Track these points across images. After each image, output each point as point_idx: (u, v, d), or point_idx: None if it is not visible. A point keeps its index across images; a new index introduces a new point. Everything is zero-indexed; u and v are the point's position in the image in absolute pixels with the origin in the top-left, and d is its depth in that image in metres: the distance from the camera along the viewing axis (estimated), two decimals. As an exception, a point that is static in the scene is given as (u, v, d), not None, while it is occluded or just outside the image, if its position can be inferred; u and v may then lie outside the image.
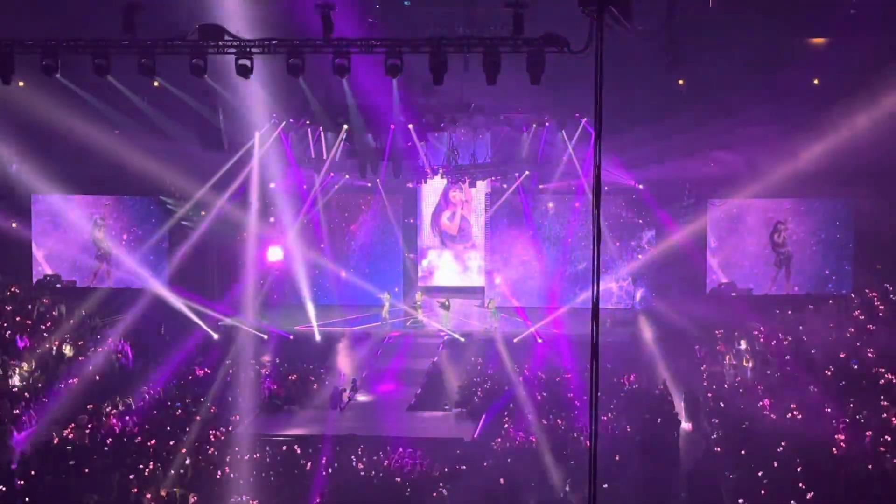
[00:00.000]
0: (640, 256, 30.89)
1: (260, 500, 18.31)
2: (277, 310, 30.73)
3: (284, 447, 20.73)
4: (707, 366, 25.09)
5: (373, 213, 32.60)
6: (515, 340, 27.62)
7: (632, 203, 30.74)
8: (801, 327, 26.02)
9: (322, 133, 28.99)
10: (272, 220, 31.40)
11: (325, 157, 29.42)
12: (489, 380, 25.02)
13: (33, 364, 23.96)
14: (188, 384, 24.58)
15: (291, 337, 28.26)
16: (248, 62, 16.96)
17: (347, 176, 30.76)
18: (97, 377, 24.00)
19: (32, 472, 19.04)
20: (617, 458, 19.02)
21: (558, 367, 25.24)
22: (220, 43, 17.03)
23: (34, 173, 28.36)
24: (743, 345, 25.55)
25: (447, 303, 30.09)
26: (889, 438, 19.20)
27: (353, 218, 32.79)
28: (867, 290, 27.77)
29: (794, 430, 20.05)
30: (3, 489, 18.31)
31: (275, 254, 31.20)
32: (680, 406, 23.20)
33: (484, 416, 22.97)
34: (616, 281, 30.56)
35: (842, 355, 23.63)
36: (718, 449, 20.55)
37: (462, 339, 28.10)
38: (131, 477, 18.77)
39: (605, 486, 17.39)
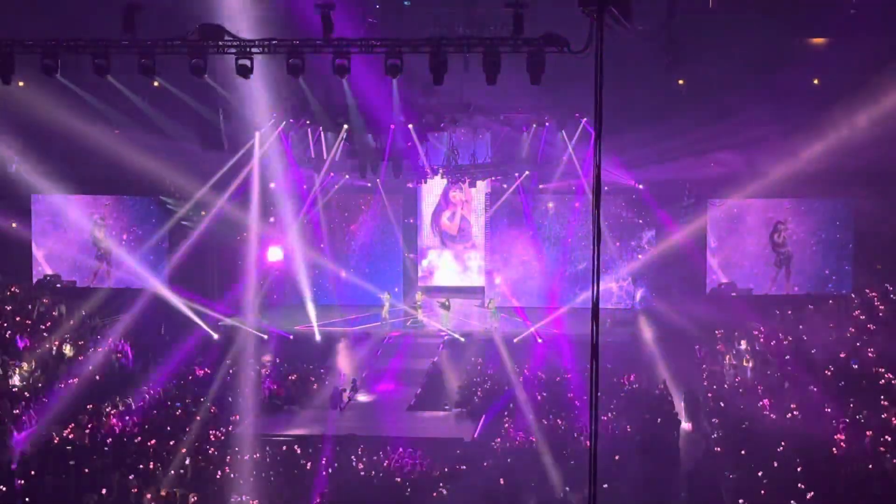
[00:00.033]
0: (640, 256, 30.89)
1: (260, 500, 18.30)
2: (277, 310, 30.74)
3: (284, 447, 20.71)
4: (707, 366, 25.08)
5: (373, 213, 32.61)
6: (515, 340, 27.62)
7: (632, 203, 30.74)
8: (801, 327, 26.03)
9: (322, 133, 28.99)
10: (272, 220, 31.40)
11: (325, 157, 29.43)
12: (489, 380, 25.01)
13: (33, 364, 23.96)
14: (188, 384, 24.55)
15: (291, 337, 28.26)
16: (248, 62, 16.92)
17: (347, 176, 30.75)
18: (97, 377, 23.98)
19: (32, 472, 19.02)
20: (617, 458, 19.01)
21: (558, 367, 25.23)
22: (220, 43, 16.99)
23: (34, 173, 28.35)
24: (743, 345, 25.55)
25: (447, 303, 30.09)
26: (889, 438, 19.21)
27: (353, 218, 32.80)
28: (867, 290, 27.76)
29: (794, 430, 20.06)
30: (3, 489, 18.30)
31: (275, 254, 31.20)
32: (680, 406, 23.19)
33: (484, 416, 22.97)
34: (616, 281, 30.57)
35: (842, 355, 23.63)
36: (718, 449, 20.54)
37: (462, 339, 28.09)
38: (131, 477, 18.76)
39: (605, 486, 17.39)
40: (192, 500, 18.13)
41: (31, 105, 25.23)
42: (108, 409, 22.31)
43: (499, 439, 21.18)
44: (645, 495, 17.98)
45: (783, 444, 19.34)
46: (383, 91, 24.97)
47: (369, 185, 31.51)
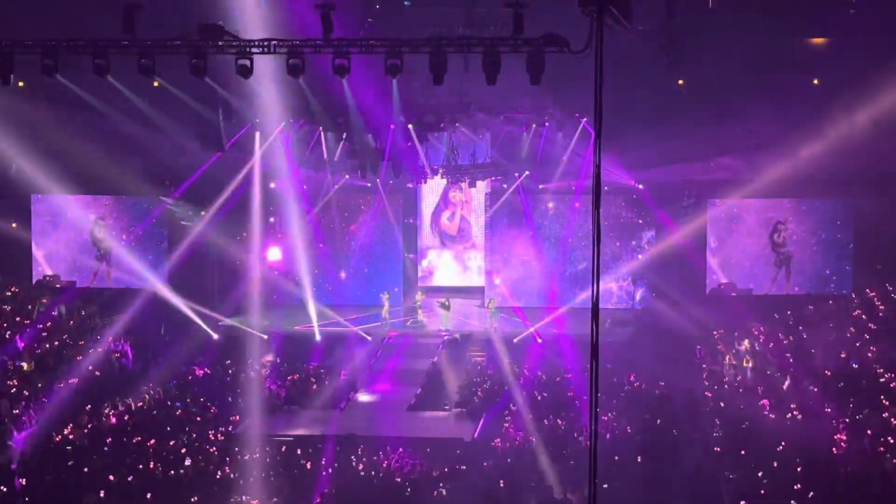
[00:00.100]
0: (640, 256, 30.88)
1: (260, 500, 18.29)
2: (277, 310, 30.70)
3: (284, 447, 20.70)
4: (707, 366, 25.08)
5: (373, 213, 32.61)
6: (515, 340, 27.63)
7: (632, 203, 30.74)
8: (801, 327, 26.02)
9: (322, 133, 28.98)
10: (272, 220, 31.39)
11: (325, 157, 29.41)
12: (489, 380, 25.02)
13: (33, 364, 23.95)
14: (188, 384, 24.57)
15: (292, 337, 28.23)
16: (248, 62, 16.93)
17: (347, 176, 30.75)
18: (97, 377, 23.98)
19: (32, 472, 19.03)
20: (617, 458, 19.02)
21: (558, 367, 25.24)
22: (220, 43, 17.01)
23: (34, 173, 28.32)
24: (743, 345, 25.54)
25: (447, 303, 30.08)
26: (889, 438, 19.21)
27: (353, 218, 32.79)
28: (867, 290, 27.78)
29: (794, 430, 20.06)
30: (4, 489, 18.30)
31: (274, 254, 31.19)
32: (680, 406, 23.16)
33: (484, 416, 22.97)
34: (616, 281, 30.56)
35: (842, 355, 23.63)
36: (718, 449, 20.53)
37: (458, 338, 28.14)
38: (131, 477, 18.75)
39: (605, 486, 17.38)
40: (192, 500, 18.05)
41: (31, 105, 25.20)
42: (107, 409, 22.30)
43: (499, 439, 21.18)
44: (645, 495, 17.96)
45: (783, 444, 19.35)
46: (383, 91, 24.95)
47: (369, 185, 31.51)
